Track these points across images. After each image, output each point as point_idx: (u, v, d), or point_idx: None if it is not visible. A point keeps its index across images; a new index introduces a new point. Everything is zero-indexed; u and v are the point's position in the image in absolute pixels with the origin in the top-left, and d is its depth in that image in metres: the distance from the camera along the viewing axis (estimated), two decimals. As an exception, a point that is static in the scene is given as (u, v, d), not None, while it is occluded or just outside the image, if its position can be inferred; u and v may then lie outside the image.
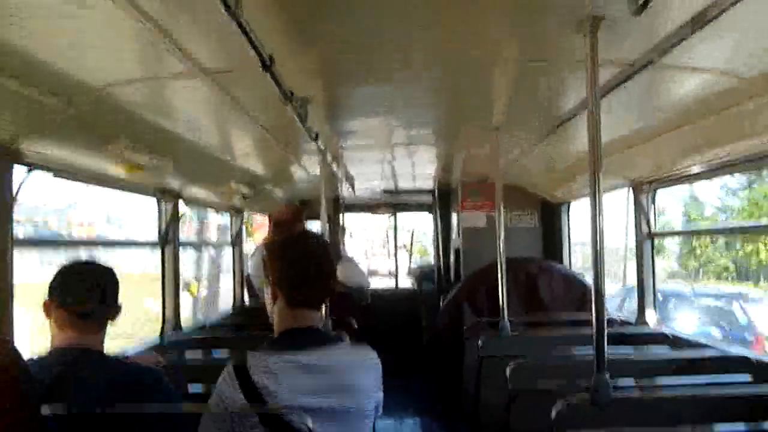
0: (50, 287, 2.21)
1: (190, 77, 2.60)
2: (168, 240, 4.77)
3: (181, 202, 4.84)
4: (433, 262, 9.31)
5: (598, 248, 2.30)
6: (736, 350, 3.57)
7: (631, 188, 4.75)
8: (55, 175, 3.21)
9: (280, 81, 2.58)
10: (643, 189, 4.68)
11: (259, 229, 8.41)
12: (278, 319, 2.19)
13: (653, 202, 4.75)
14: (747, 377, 3.09)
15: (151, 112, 3.21)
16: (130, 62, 2.52)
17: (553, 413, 2.26)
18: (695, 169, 3.93)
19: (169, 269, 4.79)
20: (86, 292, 2.21)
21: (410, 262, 10.73)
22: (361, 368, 2.12)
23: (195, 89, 2.82)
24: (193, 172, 4.53)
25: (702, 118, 3.10)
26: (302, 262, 2.17)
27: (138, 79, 2.69)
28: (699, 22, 2.03)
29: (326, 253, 2.26)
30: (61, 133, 2.88)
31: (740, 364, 3.23)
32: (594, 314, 2.29)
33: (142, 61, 2.54)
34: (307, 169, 5.57)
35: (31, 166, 2.93)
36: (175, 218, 4.78)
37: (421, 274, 9.35)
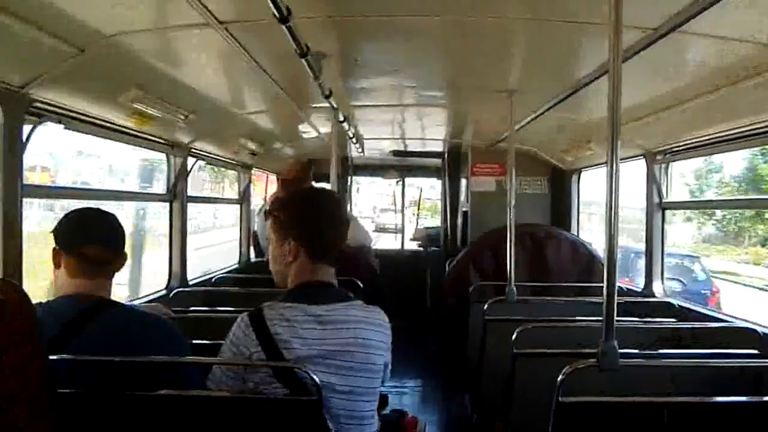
0: (60, 236, 2.20)
1: (203, 27, 2.56)
2: (176, 194, 4.77)
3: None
4: (440, 225, 9.30)
5: (613, 217, 2.28)
6: (743, 323, 3.56)
7: (644, 158, 4.71)
8: (66, 128, 3.18)
9: (296, 34, 2.54)
10: (657, 159, 4.64)
11: (258, 182, 8.36)
12: (296, 272, 2.25)
13: (666, 173, 4.71)
14: (753, 350, 3.09)
15: (163, 63, 3.17)
16: (143, 10, 2.47)
17: (560, 377, 2.26)
18: (712, 141, 3.88)
19: (176, 223, 4.81)
20: (100, 240, 2.21)
21: (417, 223, 10.71)
22: (374, 327, 2.19)
23: (208, 40, 2.77)
24: (204, 126, 4.50)
25: (723, 88, 3.04)
26: (323, 216, 2.26)
27: (151, 28, 2.65)
28: None
29: (340, 208, 2.36)
30: (73, 81, 2.85)
31: (747, 336, 3.23)
32: (606, 282, 2.27)
33: (155, 9, 2.49)
34: (317, 127, 5.53)
35: (42, 117, 2.91)
36: (183, 172, 4.77)
37: (428, 237, 9.35)
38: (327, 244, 2.27)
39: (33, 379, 1.59)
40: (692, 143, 4.15)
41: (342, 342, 2.11)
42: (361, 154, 7.49)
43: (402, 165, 9.36)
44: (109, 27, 2.54)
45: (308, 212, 2.27)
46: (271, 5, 2.15)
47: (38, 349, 1.64)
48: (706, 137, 3.89)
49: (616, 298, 2.28)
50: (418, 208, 10.97)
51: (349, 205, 8.61)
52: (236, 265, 6.51)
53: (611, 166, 2.27)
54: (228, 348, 2.13)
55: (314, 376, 1.97)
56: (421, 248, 9.39)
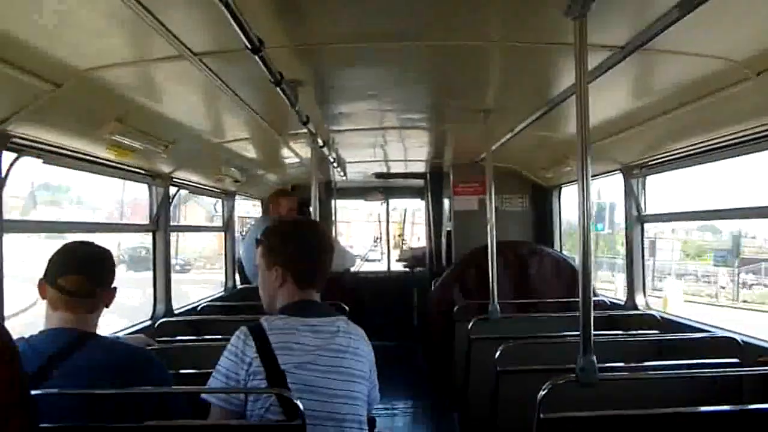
0: (46, 268, 2.21)
1: (178, 60, 2.59)
2: (159, 224, 4.77)
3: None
4: (425, 245, 9.32)
5: (585, 231, 2.32)
6: (724, 332, 3.59)
7: (621, 172, 4.77)
8: (45, 162, 3.19)
9: (269, 64, 2.57)
10: (634, 173, 4.70)
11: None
12: (284, 296, 2.39)
13: (644, 186, 4.78)
14: (735, 359, 3.12)
15: (140, 95, 3.19)
16: (118, 44, 2.50)
17: (540, 394, 2.28)
18: (686, 154, 3.94)
19: (160, 253, 4.80)
20: (79, 273, 2.21)
21: (402, 244, 10.74)
22: (358, 336, 2.40)
23: (184, 71, 2.80)
24: (185, 156, 4.51)
25: (693, 102, 3.11)
26: (306, 246, 2.42)
27: (126, 61, 2.67)
28: (687, 5, 2.03)
29: (324, 237, 2.53)
30: (50, 117, 2.86)
31: (728, 346, 3.26)
32: (581, 296, 2.31)
33: (130, 43, 2.52)
34: (299, 153, 5.56)
35: (21, 152, 2.92)
36: (165, 202, 4.78)
37: (413, 258, 9.37)
38: (311, 271, 2.42)
39: (13, 412, 1.58)
40: (667, 157, 4.21)
41: (335, 349, 2.27)
42: (344, 177, 7.51)
43: (386, 187, 9.39)
44: (84, 62, 2.56)
45: (293, 242, 2.42)
46: (242, 36, 2.18)
47: (18, 382, 1.63)
48: (681, 150, 3.95)
49: (593, 311, 2.32)
50: (403, 230, 10.99)
51: (333, 229, 8.60)
52: (222, 293, 6.48)
53: (582, 183, 2.31)
54: (226, 358, 2.23)
55: (299, 403, 2.03)
56: (408, 269, 9.40)
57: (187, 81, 3.07)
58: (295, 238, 2.43)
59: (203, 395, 2.21)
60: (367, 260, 11.39)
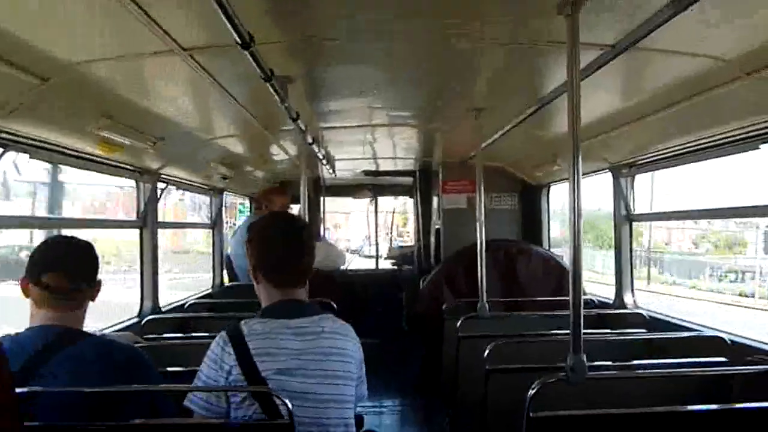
0: (27, 265, 2.18)
1: (167, 54, 2.56)
2: (147, 220, 4.74)
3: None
4: (414, 243, 9.31)
5: (576, 230, 2.31)
6: (712, 332, 3.61)
7: (610, 171, 4.78)
8: (32, 157, 3.15)
9: (259, 59, 2.55)
10: (623, 173, 4.71)
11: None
12: (265, 296, 2.34)
13: (632, 186, 4.79)
14: (722, 358, 3.14)
15: (129, 90, 3.16)
16: (107, 38, 2.46)
17: (530, 392, 2.28)
18: (675, 154, 3.96)
19: (147, 249, 4.77)
20: (63, 270, 2.18)
21: (391, 243, 10.72)
22: (345, 334, 2.30)
23: (174, 67, 2.77)
24: (173, 152, 4.48)
25: (683, 102, 3.11)
26: (279, 246, 2.33)
27: (114, 56, 2.63)
28: (679, 4, 2.03)
29: (299, 234, 2.38)
30: (38, 111, 2.82)
31: (715, 345, 3.28)
32: (571, 294, 2.31)
33: (118, 37, 2.48)
34: (288, 150, 5.54)
35: (7, 147, 2.88)
36: (153, 198, 4.74)
37: (402, 256, 9.36)
38: (281, 269, 2.33)
39: (3, 412, 1.56)
40: (656, 156, 4.22)
41: (320, 351, 2.20)
42: (333, 175, 7.49)
43: (375, 184, 9.38)
44: (72, 56, 2.53)
45: (260, 239, 2.36)
46: (232, 31, 2.16)
47: (6, 381, 1.60)
48: (669, 150, 3.96)
49: (582, 310, 2.32)
50: (392, 228, 10.97)
51: (321, 227, 8.58)
52: (209, 290, 6.45)
53: (573, 181, 2.31)
54: (206, 365, 2.19)
55: (286, 401, 2.02)
56: (396, 267, 9.39)
57: (176, 76, 3.03)
58: (263, 236, 2.37)
59: (185, 403, 2.17)
60: (363, 256, 11.34)
